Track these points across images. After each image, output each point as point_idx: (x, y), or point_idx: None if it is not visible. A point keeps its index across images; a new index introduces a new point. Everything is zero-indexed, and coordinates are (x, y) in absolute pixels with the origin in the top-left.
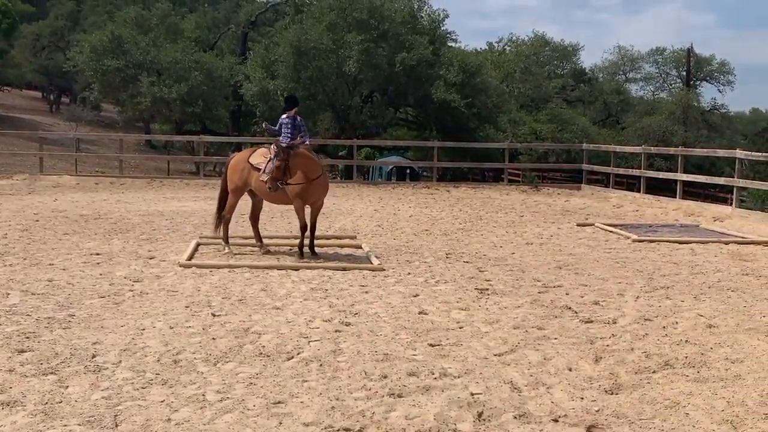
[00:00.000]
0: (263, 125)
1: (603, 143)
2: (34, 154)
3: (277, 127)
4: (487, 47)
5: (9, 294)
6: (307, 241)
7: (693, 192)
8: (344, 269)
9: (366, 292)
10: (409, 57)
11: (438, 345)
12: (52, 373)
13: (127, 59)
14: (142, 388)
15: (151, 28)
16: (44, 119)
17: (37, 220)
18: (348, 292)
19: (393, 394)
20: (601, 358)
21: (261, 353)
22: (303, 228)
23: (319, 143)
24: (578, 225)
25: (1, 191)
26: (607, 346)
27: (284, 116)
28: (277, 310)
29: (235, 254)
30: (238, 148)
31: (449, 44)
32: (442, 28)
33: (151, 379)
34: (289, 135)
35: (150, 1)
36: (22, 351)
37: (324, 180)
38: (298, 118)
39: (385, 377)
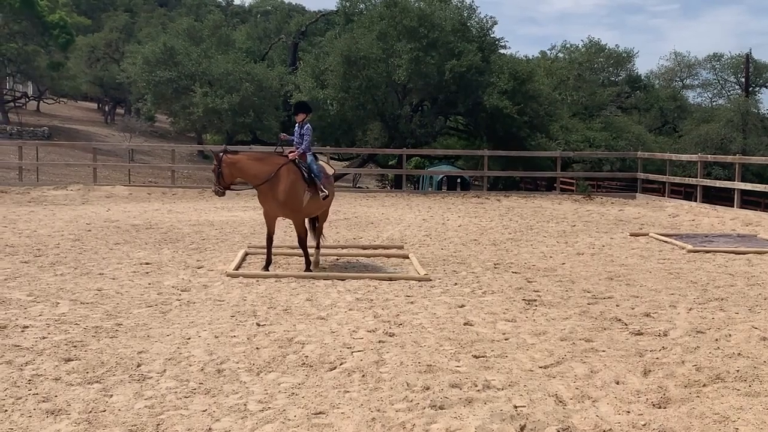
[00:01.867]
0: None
1: (659, 151)
2: (88, 164)
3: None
4: (539, 55)
5: (59, 303)
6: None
7: (752, 201)
8: (390, 279)
9: (411, 303)
10: (459, 64)
11: (482, 356)
12: (97, 381)
13: (179, 70)
14: (185, 397)
15: (203, 39)
16: (99, 130)
17: (90, 230)
18: (393, 303)
19: (435, 405)
20: (650, 371)
21: (304, 363)
22: (300, 242)
23: (369, 153)
24: (632, 235)
25: (56, 201)
26: (657, 359)
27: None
28: (322, 320)
29: (282, 264)
30: None
31: (500, 51)
32: (491, 36)
33: (195, 389)
34: (293, 142)
35: (202, 12)
36: (69, 360)
37: (277, 187)
38: (306, 125)
39: (428, 389)
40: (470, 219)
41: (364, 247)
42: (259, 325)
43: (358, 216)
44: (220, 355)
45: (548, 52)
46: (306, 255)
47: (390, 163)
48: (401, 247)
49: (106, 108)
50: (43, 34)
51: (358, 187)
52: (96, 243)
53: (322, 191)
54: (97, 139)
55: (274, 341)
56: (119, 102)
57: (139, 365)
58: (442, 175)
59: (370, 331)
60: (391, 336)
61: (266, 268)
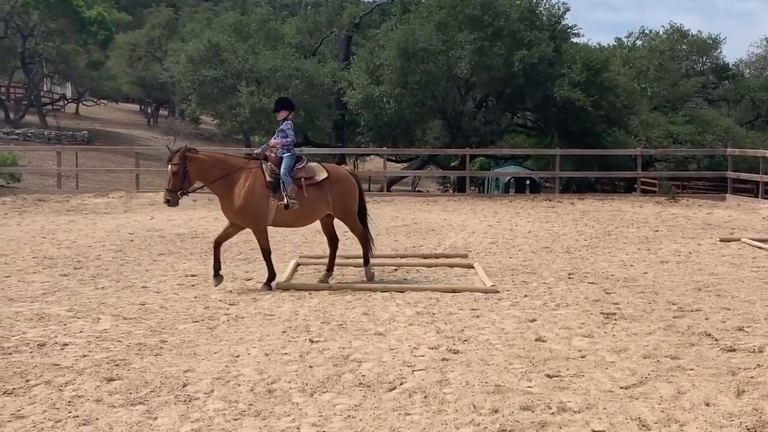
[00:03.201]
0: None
1: (751, 147)
2: (130, 170)
3: None
4: (615, 42)
5: (100, 319)
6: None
7: None
8: (453, 291)
9: (477, 317)
10: (529, 55)
11: (556, 376)
12: (140, 403)
13: (225, 68)
14: (234, 419)
15: (249, 34)
16: (141, 133)
17: (132, 240)
18: (457, 317)
19: (504, 430)
20: (744, 391)
21: (361, 383)
22: (264, 254)
23: (429, 153)
24: (722, 240)
25: (97, 210)
26: (752, 377)
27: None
28: (380, 336)
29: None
30: (342, 159)
31: (572, 40)
32: (563, 23)
33: (244, 410)
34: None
35: (249, 5)
36: (111, 379)
37: (232, 191)
38: (285, 122)
39: (496, 411)
40: (541, 224)
41: (424, 256)
42: (312, 341)
43: (417, 222)
44: (271, 374)
45: (625, 39)
46: (270, 268)
47: (452, 164)
48: (465, 256)
49: (149, 110)
50: (81, 31)
51: (418, 191)
52: (139, 254)
53: (283, 200)
54: (140, 143)
55: (329, 359)
56: (162, 103)
57: (185, 385)
58: (509, 177)
59: (433, 348)
60: (455, 353)
61: (269, 283)
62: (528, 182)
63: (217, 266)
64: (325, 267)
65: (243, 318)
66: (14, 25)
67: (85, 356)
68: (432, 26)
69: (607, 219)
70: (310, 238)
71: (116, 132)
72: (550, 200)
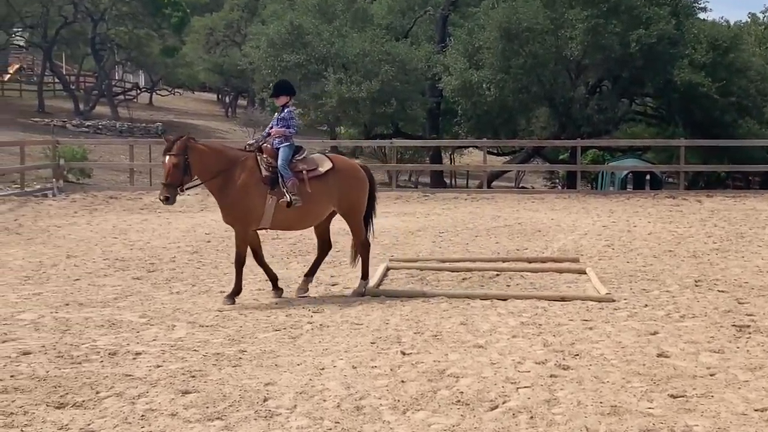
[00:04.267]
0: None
1: None
2: None
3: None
4: (748, 18)
5: (175, 326)
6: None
7: None
8: (563, 299)
9: (590, 329)
10: (647, 34)
11: (681, 396)
12: (218, 418)
13: (308, 52)
14: None
15: (335, 15)
16: (219, 125)
17: (209, 241)
18: (567, 328)
19: None
20: None
21: (459, 401)
22: (236, 260)
23: (534, 145)
24: None
25: (171, 208)
26: None
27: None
28: (480, 349)
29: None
30: (437, 152)
31: (697, 16)
32: None
33: (330, 428)
34: (266, 134)
35: None
36: (187, 392)
37: (226, 187)
38: (288, 109)
39: None
40: (663, 225)
41: (530, 260)
42: (404, 353)
43: (522, 222)
44: (359, 389)
45: (761, 15)
46: (238, 277)
47: (561, 157)
48: (576, 260)
49: (227, 99)
50: (155, 14)
51: (522, 187)
52: (216, 256)
53: (284, 197)
54: (217, 135)
55: (423, 373)
56: (241, 92)
57: (265, 399)
58: (626, 171)
59: (539, 363)
60: (565, 369)
61: (232, 296)
62: (648, 177)
63: (272, 278)
64: (308, 271)
65: (328, 327)
66: (84, 9)
67: (158, 366)
68: (538, 3)
69: (740, 219)
70: (402, 240)
71: (192, 124)
72: (673, 198)
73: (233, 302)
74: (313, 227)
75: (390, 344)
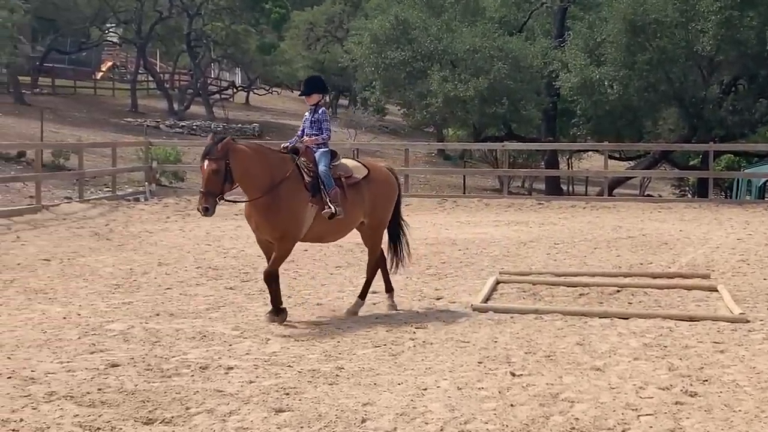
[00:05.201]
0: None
1: None
2: None
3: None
4: None
5: (269, 339)
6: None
7: None
8: (691, 319)
9: (721, 352)
10: None
11: None
12: None
13: (414, 49)
14: None
15: (444, 8)
16: None
17: (306, 250)
18: (695, 351)
19: None
20: None
21: (573, 428)
22: (267, 277)
23: (661, 149)
24: None
25: None
26: None
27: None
28: (597, 372)
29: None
30: (554, 156)
31: None
32: None
33: None
34: (300, 136)
35: None
36: (281, 410)
37: (277, 199)
38: (321, 109)
39: None
40: None
41: (654, 276)
42: (513, 374)
43: (646, 233)
44: (464, 411)
45: None
46: (273, 295)
47: (691, 162)
48: (707, 276)
49: (327, 98)
50: (253, 9)
51: (647, 195)
52: (313, 266)
53: (328, 207)
54: None
55: (534, 397)
56: (342, 91)
57: (363, 420)
58: (765, 179)
59: (664, 389)
60: (692, 396)
61: (276, 314)
62: None
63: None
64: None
65: (432, 344)
66: (180, 3)
67: (251, 382)
68: None
69: None
70: (513, 251)
71: (290, 124)
72: None
73: (277, 317)
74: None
75: (498, 364)
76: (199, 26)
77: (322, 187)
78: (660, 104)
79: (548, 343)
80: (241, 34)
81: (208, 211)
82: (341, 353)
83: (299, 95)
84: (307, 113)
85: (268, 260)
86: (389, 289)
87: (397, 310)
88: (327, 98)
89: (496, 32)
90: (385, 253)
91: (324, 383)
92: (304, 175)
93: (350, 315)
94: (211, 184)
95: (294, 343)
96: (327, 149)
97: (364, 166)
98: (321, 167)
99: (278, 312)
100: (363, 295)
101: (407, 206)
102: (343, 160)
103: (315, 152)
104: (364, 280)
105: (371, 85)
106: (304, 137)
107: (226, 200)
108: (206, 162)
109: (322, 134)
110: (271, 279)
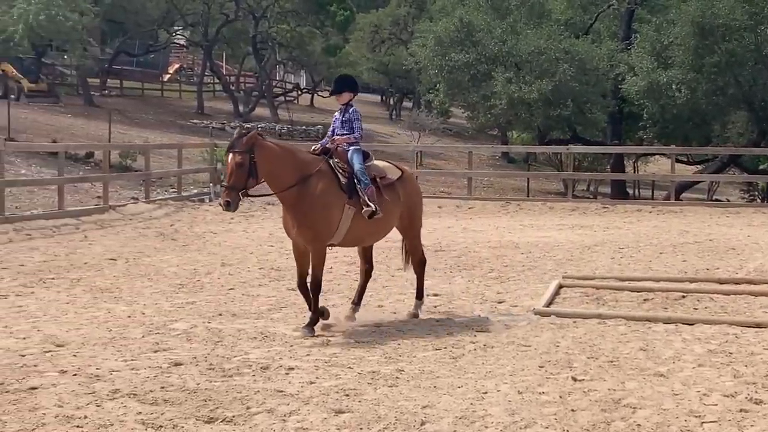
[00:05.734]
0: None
1: None
2: None
3: None
4: None
5: (329, 341)
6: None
7: None
8: (758, 326)
9: None
10: None
11: None
12: None
13: (479, 51)
14: None
15: (509, 10)
16: (382, 128)
17: None
18: (761, 358)
19: None
20: None
21: None
22: (313, 286)
23: (730, 153)
24: None
25: None
26: None
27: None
28: (660, 378)
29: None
30: (619, 160)
31: None
32: None
33: None
34: (330, 136)
35: None
36: (340, 412)
37: (304, 198)
38: (352, 108)
39: None
40: None
41: (721, 281)
42: (575, 379)
43: (713, 239)
44: (525, 416)
45: None
46: (310, 302)
47: (761, 167)
48: None
49: (391, 101)
50: (318, 12)
51: (716, 200)
52: (376, 268)
53: (368, 206)
54: (380, 139)
55: (595, 402)
56: (406, 93)
57: (423, 423)
58: None
59: (728, 396)
60: (757, 404)
61: (310, 327)
62: None
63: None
64: (354, 299)
65: (493, 348)
66: (246, 6)
67: (312, 383)
68: None
69: None
70: (577, 255)
71: None
72: None
73: (313, 332)
74: (359, 252)
75: (560, 369)
76: (264, 29)
77: (358, 186)
78: (728, 108)
79: (611, 348)
80: (306, 37)
81: (229, 205)
82: (401, 355)
83: (329, 95)
84: (337, 113)
85: (300, 270)
86: (359, 301)
87: (354, 321)
88: (355, 96)
89: (561, 34)
90: (402, 260)
91: (384, 385)
92: (339, 176)
93: (411, 317)
94: (234, 178)
95: (354, 344)
96: (359, 147)
97: (397, 167)
98: (356, 166)
99: (316, 321)
100: (420, 295)
101: (470, 209)
102: (376, 162)
103: (347, 151)
104: (416, 282)
105: (435, 87)
106: (335, 137)
107: (249, 195)
108: (230, 155)
109: (354, 133)
110: (317, 289)
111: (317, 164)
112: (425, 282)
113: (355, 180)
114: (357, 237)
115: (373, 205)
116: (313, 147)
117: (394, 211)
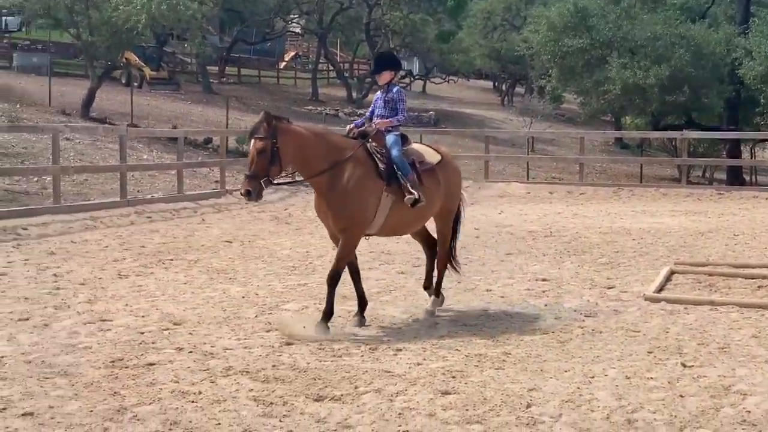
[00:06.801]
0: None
1: None
2: (479, 156)
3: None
4: None
5: (437, 323)
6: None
7: None
8: None
9: None
10: None
11: None
12: (477, 422)
13: (593, 36)
14: None
15: None
16: (494, 114)
17: (478, 237)
18: None
19: None
20: None
21: (744, 420)
22: (330, 278)
23: None
24: None
25: None
26: None
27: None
28: None
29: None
30: (736, 146)
31: None
32: None
33: None
34: (369, 117)
35: None
36: (447, 393)
37: (337, 185)
38: (396, 88)
39: None
40: None
41: None
42: (685, 365)
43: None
44: (632, 401)
45: None
46: (330, 297)
47: None
48: None
49: (503, 87)
50: None
51: None
52: (484, 252)
53: (410, 193)
54: (491, 126)
55: (705, 388)
56: (519, 79)
57: (528, 406)
58: None
59: None
60: None
61: (324, 321)
62: None
63: (362, 300)
64: (424, 283)
65: (601, 333)
66: None
67: (419, 364)
68: None
69: None
70: (690, 241)
71: (466, 113)
72: None
73: (328, 329)
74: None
75: (669, 355)
76: (378, 16)
77: (399, 173)
78: None
79: (722, 335)
80: (418, 24)
81: (250, 195)
82: (508, 339)
83: (369, 74)
84: (378, 93)
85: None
86: (430, 284)
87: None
88: (398, 76)
89: (677, 19)
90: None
91: (490, 368)
92: (378, 161)
93: (429, 315)
94: (256, 165)
95: (462, 327)
96: (399, 133)
97: (437, 151)
98: (394, 152)
99: (328, 321)
100: (438, 292)
101: (581, 195)
102: (414, 145)
103: (386, 136)
104: (436, 275)
105: (548, 73)
106: (375, 119)
107: (273, 184)
108: (252, 141)
109: (397, 115)
110: (335, 281)
111: (352, 148)
112: (536, 267)
113: (394, 167)
114: (395, 226)
115: (416, 193)
116: (348, 127)
117: (435, 198)
